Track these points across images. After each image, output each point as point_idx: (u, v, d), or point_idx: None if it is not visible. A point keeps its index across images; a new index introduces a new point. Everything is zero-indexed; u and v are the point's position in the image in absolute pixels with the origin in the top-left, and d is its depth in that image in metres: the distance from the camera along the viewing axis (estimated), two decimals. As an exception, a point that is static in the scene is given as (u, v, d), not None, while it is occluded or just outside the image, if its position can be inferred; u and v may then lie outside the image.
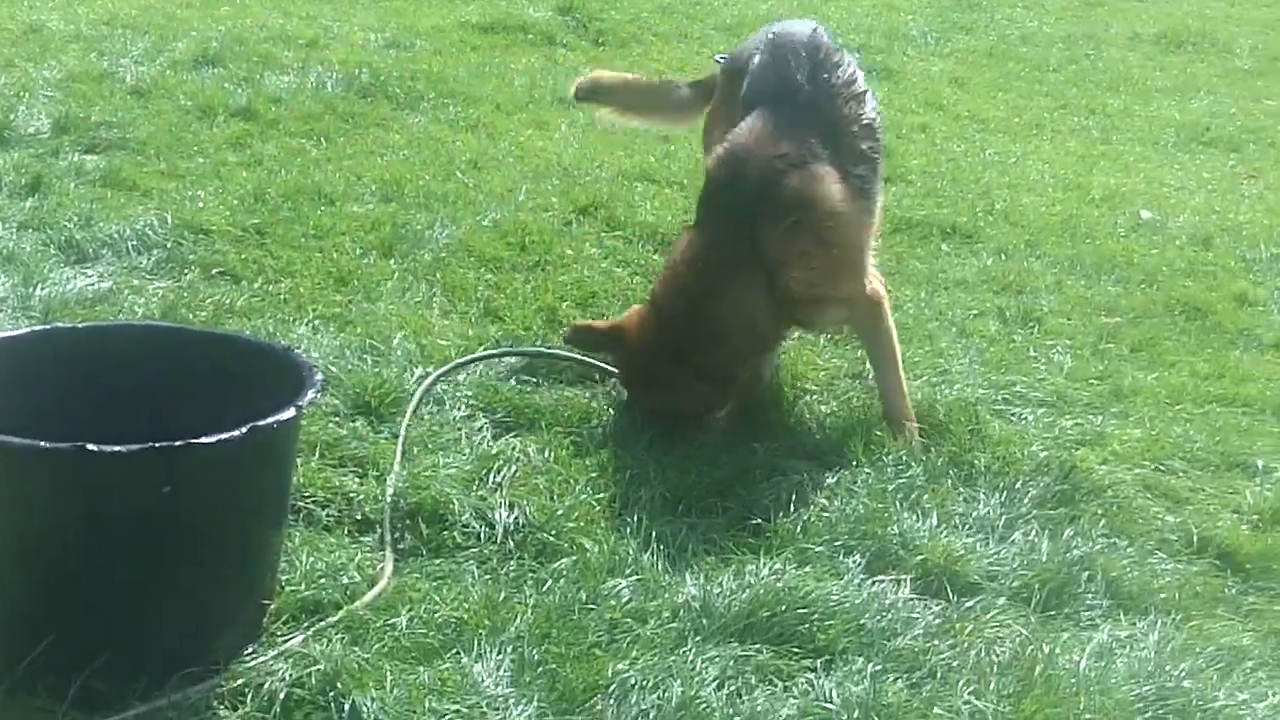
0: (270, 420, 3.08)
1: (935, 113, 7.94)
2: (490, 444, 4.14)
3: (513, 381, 4.49)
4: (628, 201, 5.99)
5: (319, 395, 3.36)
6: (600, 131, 6.68)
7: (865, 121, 4.34)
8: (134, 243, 5.23)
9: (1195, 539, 3.93)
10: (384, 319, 4.79)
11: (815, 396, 4.52)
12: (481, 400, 4.36)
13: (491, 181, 6.03)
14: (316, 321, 4.76)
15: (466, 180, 6.04)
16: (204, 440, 2.96)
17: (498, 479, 3.90)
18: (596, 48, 8.43)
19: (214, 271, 5.11)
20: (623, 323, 4.28)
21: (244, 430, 3.01)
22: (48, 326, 4.13)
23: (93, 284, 4.91)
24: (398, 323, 4.76)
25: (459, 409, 4.30)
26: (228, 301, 4.85)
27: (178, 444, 2.93)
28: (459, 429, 4.20)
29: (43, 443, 2.91)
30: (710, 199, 4.21)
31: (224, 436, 2.98)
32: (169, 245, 5.24)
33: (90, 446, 2.86)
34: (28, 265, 4.96)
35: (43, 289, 4.79)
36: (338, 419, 4.17)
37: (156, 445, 2.92)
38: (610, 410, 4.34)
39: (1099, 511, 3.98)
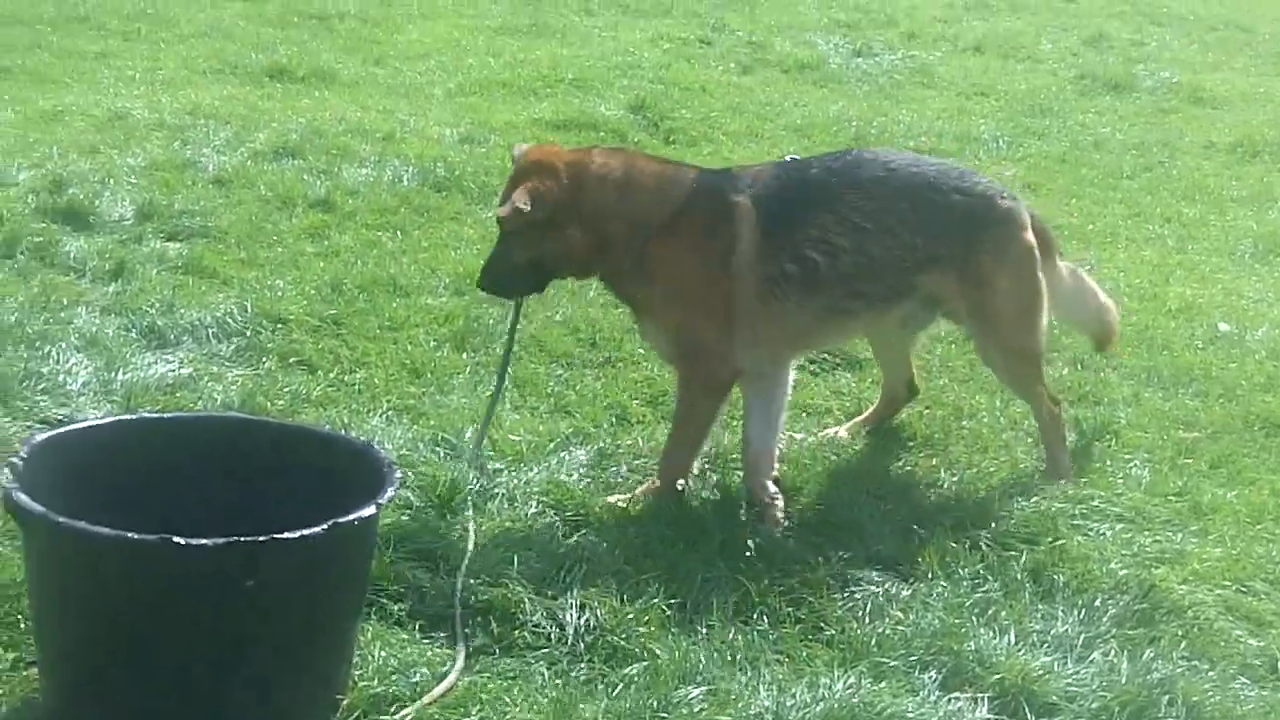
0: (351, 516, 3.10)
1: (1007, 219, 7.88)
2: (561, 542, 4.14)
3: (583, 480, 4.49)
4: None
5: (397, 492, 3.37)
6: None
7: (830, 235, 4.48)
8: (214, 330, 5.29)
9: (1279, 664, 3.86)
10: (456, 412, 4.81)
11: (888, 504, 4.48)
12: (552, 498, 4.36)
13: (564, 277, 6.05)
14: (390, 413, 4.79)
15: (539, 275, 6.06)
16: (287, 535, 2.99)
17: (568, 578, 3.89)
18: (667, 145, 8.47)
19: (291, 360, 5.16)
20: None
21: (326, 526, 3.03)
22: (130, 416, 4.15)
23: (173, 370, 4.97)
24: (470, 416, 4.77)
25: (530, 506, 4.31)
26: (304, 391, 4.90)
27: (262, 539, 2.95)
28: (530, 526, 4.20)
29: (130, 534, 2.93)
30: (703, 169, 4.76)
31: (307, 532, 3.01)
32: (248, 333, 5.31)
33: (177, 539, 2.88)
34: (110, 350, 5.03)
35: (124, 374, 4.86)
36: (410, 512, 4.18)
37: (242, 539, 2.94)
38: (681, 511, 4.33)
39: (1179, 633, 3.91)
